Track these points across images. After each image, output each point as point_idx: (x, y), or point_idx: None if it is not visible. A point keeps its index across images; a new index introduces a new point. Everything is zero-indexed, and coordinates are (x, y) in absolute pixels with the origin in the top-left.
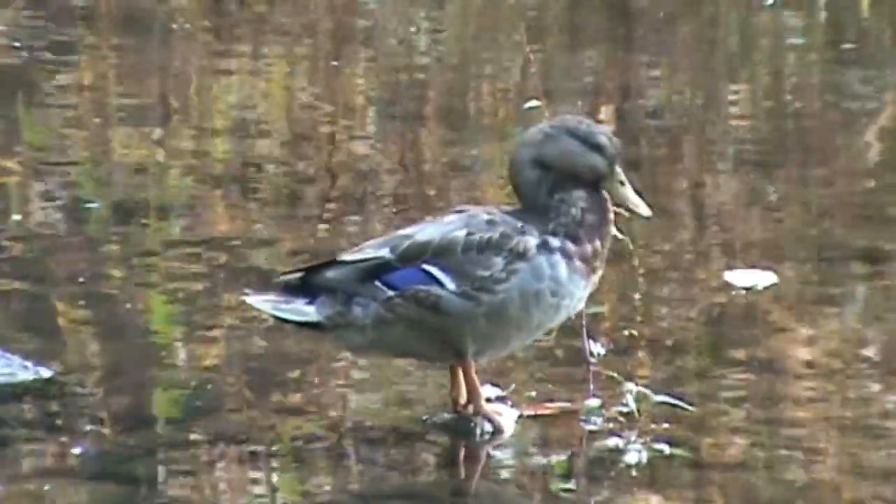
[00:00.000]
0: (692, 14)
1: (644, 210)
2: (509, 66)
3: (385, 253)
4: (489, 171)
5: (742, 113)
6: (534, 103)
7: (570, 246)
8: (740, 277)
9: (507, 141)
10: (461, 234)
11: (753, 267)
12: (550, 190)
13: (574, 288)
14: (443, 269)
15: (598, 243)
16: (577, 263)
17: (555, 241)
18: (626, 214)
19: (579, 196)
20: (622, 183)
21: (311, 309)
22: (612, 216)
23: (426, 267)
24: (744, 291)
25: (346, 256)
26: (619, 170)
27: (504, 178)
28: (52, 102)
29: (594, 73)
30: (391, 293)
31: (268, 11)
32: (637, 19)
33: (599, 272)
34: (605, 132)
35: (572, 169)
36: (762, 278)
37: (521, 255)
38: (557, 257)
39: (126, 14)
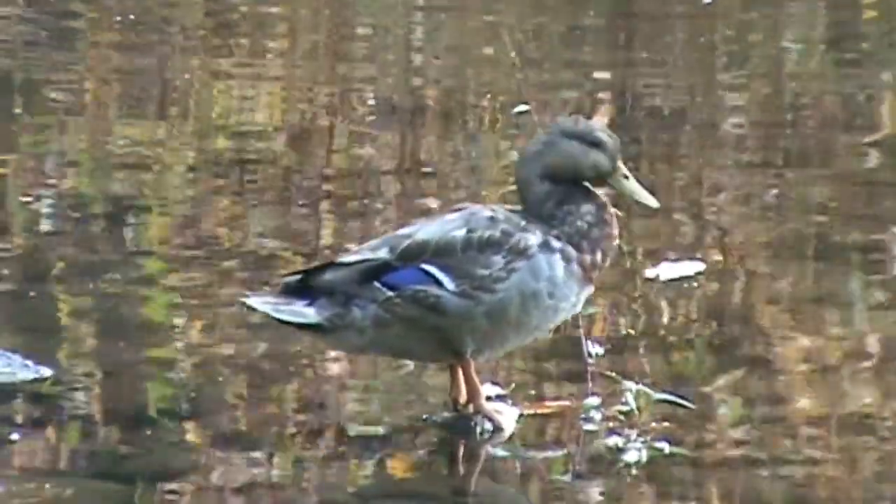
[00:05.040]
0: (689, 12)
1: (651, 201)
2: (506, 67)
3: (384, 253)
4: (489, 171)
5: (741, 111)
6: (522, 107)
7: (571, 251)
8: (668, 270)
9: (505, 141)
10: (461, 232)
11: (689, 259)
12: (560, 202)
13: (568, 292)
14: (442, 269)
15: (598, 256)
16: (576, 268)
17: (556, 243)
18: (622, 214)
19: (588, 210)
20: (626, 177)
21: (310, 311)
22: (616, 232)
23: (425, 266)
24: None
25: (345, 258)
26: (621, 164)
27: (502, 178)
28: (50, 98)
29: (593, 71)
30: (390, 293)
31: (266, 12)
32: (637, 19)
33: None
34: (602, 128)
35: (576, 170)
36: (690, 268)
37: (522, 253)
38: (557, 258)
39: (126, 13)
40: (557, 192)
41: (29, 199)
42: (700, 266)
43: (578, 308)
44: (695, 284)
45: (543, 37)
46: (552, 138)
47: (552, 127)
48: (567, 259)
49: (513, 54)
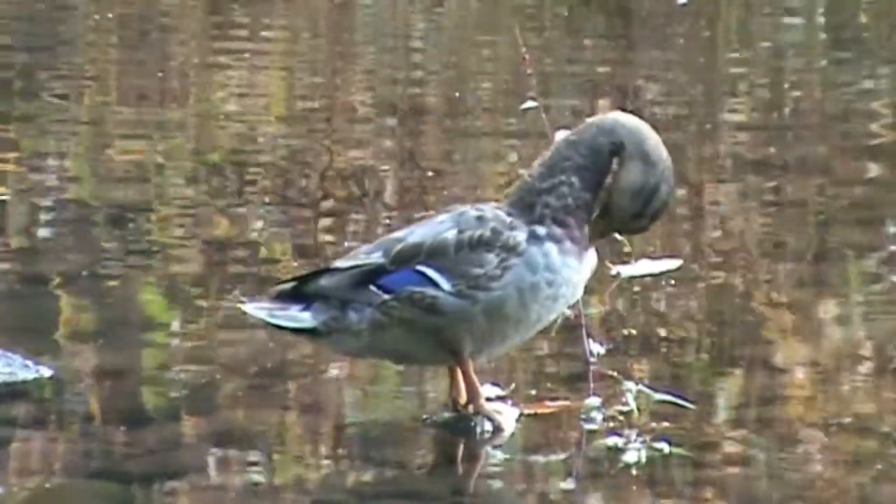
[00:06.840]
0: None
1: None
2: (508, 64)
3: (378, 257)
4: (487, 170)
5: (741, 112)
6: (530, 104)
7: (557, 230)
8: (632, 268)
9: (505, 140)
10: (452, 233)
11: (660, 257)
12: (578, 169)
13: (569, 272)
14: (437, 270)
15: (585, 229)
16: (568, 245)
17: (541, 230)
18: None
19: (584, 198)
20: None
21: (306, 315)
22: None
23: (420, 268)
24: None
25: (339, 263)
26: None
27: (503, 178)
28: (49, 97)
29: (593, 70)
30: (386, 297)
31: (266, 10)
32: (636, 18)
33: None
34: (665, 204)
35: (616, 190)
36: (660, 266)
37: (513, 250)
38: (548, 245)
39: (125, 9)
40: (600, 161)
41: (28, 197)
42: (674, 264)
43: (580, 291)
44: (672, 282)
45: (543, 31)
46: (655, 173)
47: (666, 164)
48: (557, 241)
49: (523, 50)
